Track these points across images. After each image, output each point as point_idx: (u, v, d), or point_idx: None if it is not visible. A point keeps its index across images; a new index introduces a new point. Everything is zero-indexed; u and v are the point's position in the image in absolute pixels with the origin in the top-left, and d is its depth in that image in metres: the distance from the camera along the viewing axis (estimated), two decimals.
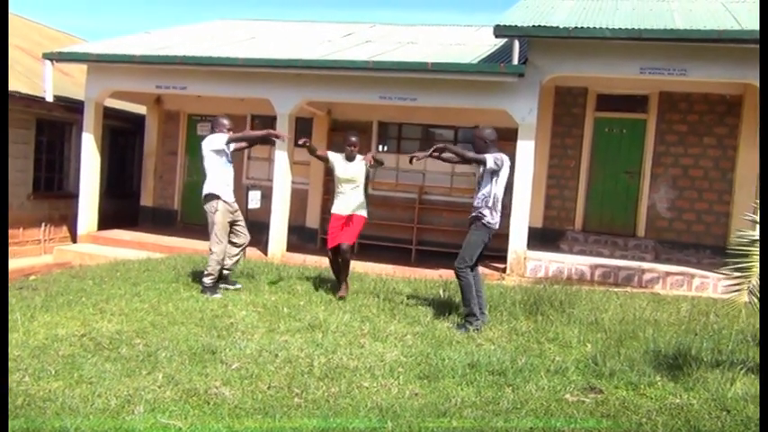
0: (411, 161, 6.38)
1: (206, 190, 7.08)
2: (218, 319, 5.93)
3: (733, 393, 4.29)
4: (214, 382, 4.29)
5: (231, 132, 7.23)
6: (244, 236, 7.30)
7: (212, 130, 7.30)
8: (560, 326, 6.09)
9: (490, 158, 6.00)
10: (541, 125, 10.33)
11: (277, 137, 7.45)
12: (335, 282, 7.33)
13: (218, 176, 7.06)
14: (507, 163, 6.13)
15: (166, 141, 13.62)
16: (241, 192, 7.65)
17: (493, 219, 6.07)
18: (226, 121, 7.29)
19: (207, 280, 6.96)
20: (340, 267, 7.10)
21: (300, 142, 6.68)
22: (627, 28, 8.83)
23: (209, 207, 7.05)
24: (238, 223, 7.25)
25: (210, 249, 7.03)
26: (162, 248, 10.80)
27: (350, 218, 6.99)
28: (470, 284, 6.06)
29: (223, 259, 7.08)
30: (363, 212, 7.07)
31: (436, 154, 6.40)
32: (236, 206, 7.26)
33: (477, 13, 55.02)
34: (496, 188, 6.08)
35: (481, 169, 6.15)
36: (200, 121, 13.41)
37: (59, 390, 4.07)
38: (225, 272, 7.20)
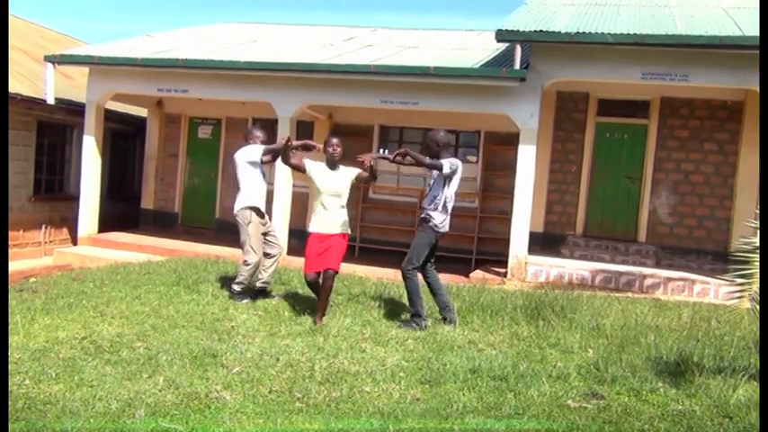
0: (364, 161, 6.02)
1: (240, 201, 6.95)
2: (219, 323, 5.92)
3: (735, 400, 4.28)
4: (215, 385, 4.28)
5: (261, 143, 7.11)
6: (276, 246, 7.17)
7: (246, 141, 7.17)
8: (562, 331, 6.07)
9: (446, 164, 6.08)
10: (543, 130, 10.33)
11: (312, 147, 6.90)
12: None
13: (253, 188, 6.94)
14: (460, 167, 6.24)
15: (167, 144, 13.63)
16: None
17: (440, 221, 6.16)
18: (260, 133, 7.19)
19: (237, 287, 6.84)
20: (319, 292, 6.18)
21: (281, 138, 6.09)
22: (628, 33, 8.84)
23: (242, 218, 6.91)
24: (270, 234, 7.13)
25: (245, 261, 6.89)
26: (163, 251, 10.79)
27: (332, 238, 6.06)
28: (417, 286, 6.20)
29: (257, 271, 6.93)
30: (346, 230, 6.18)
31: (399, 159, 6.40)
32: (267, 218, 7.18)
33: (479, 18, 55.17)
34: (448, 191, 6.17)
35: (434, 173, 6.25)
36: (202, 124, 13.43)
37: (60, 393, 4.06)
38: (262, 285, 7.02)
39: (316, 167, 6.10)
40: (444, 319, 6.28)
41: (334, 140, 6.12)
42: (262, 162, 7.05)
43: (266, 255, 7.07)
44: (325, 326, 5.89)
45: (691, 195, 10.87)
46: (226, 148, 12.90)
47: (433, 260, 6.41)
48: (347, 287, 7.67)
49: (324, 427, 3.71)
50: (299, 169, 6.17)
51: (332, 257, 6.03)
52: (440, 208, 6.13)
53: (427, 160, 6.19)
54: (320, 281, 6.09)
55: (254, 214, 6.91)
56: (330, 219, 6.07)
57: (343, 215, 6.15)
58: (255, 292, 6.95)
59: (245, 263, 6.90)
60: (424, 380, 4.63)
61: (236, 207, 6.97)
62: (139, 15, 53.16)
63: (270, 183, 7.55)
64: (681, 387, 4.55)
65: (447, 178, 6.11)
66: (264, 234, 7.06)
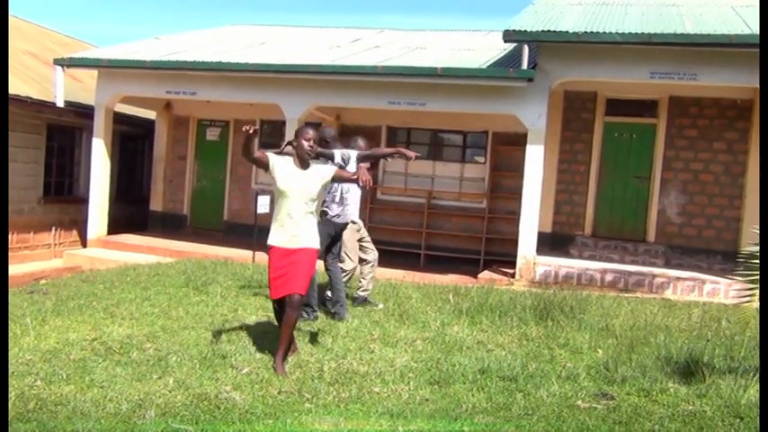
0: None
1: (333, 209, 6.76)
2: (229, 324, 5.93)
3: (746, 400, 4.25)
4: (224, 386, 4.28)
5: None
6: (372, 252, 7.08)
7: (348, 148, 6.95)
8: (571, 331, 6.05)
9: (338, 154, 6.26)
10: (551, 130, 10.32)
11: (407, 155, 6.47)
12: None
13: (349, 195, 6.66)
14: (353, 157, 6.40)
15: (176, 146, 13.68)
16: (250, 197, 7.61)
17: (337, 213, 6.38)
18: (362, 142, 6.93)
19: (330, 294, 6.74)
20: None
21: (245, 129, 4.55)
22: (637, 33, 8.81)
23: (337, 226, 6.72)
24: (365, 240, 7.04)
25: (342, 269, 6.74)
26: (172, 253, 10.83)
27: (298, 254, 4.78)
28: (337, 275, 6.41)
29: (351, 277, 6.87)
30: (315, 243, 4.89)
31: (286, 149, 6.37)
32: (361, 224, 7.03)
33: (486, 18, 55.09)
34: (344, 183, 6.30)
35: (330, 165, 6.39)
36: (210, 126, 13.48)
37: (71, 394, 4.08)
38: (362, 294, 6.97)
39: (281, 164, 4.80)
40: (335, 314, 6.35)
41: (311, 132, 4.88)
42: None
43: (362, 261, 7.00)
44: (333, 326, 5.89)
45: (700, 195, 10.82)
46: (234, 150, 12.96)
47: (335, 252, 6.55)
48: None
49: (333, 428, 3.71)
50: (260, 165, 4.86)
51: (297, 278, 4.73)
52: (336, 200, 6.38)
53: (326, 152, 6.35)
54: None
55: (349, 222, 6.71)
56: (296, 230, 4.76)
57: (313, 225, 4.88)
58: (357, 301, 6.87)
59: (342, 270, 6.74)
60: (433, 380, 4.62)
61: (330, 214, 6.70)
62: (148, 18, 53.41)
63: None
64: (691, 387, 4.52)
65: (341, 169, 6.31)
66: (359, 241, 6.96)
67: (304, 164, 4.83)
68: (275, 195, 4.85)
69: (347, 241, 6.80)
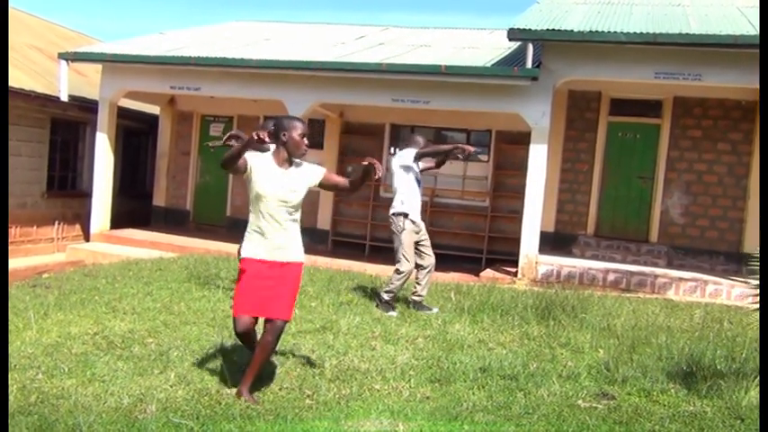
0: (213, 149, 5.99)
1: (393, 208, 6.70)
2: (230, 320, 5.93)
3: (747, 402, 4.25)
4: (225, 382, 4.29)
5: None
6: (429, 257, 6.80)
7: (406, 145, 6.94)
8: (572, 331, 6.06)
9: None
10: (554, 129, 10.30)
11: (465, 151, 6.58)
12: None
13: (406, 194, 6.65)
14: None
15: (179, 142, 13.69)
16: None
17: None
18: (421, 140, 6.89)
19: (386, 296, 6.66)
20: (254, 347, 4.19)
21: (255, 136, 3.75)
22: (641, 32, 8.79)
23: (395, 226, 6.66)
24: (422, 243, 6.76)
25: (397, 269, 6.63)
26: (174, 248, 10.84)
27: (285, 269, 4.09)
28: None
29: (407, 280, 6.69)
30: (302, 256, 4.21)
31: (230, 142, 6.31)
32: (421, 225, 6.79)
33: (491, 17, 55.01)
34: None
35: None
36: (213, 122, 13.48)
37: (72, 387, 4.09)
38: (416, 299, 6.78)
39: (260, 164, 4.03)
40: None
41: (303, 126, 4.11)
42: (423, 169, 6.89)
43: (418, 266, 6.78)
44: (335, 323, 5.89)
45: (703, 196, 10.79)
46: None
47: None
48: (357, 285, 7.68)
49: (333, 425, 3.72)
50: (237, 171, 4.02)
51: (282, 300, 4.05)
52: None
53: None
54: (257, 332, 4.19)
55: (407, 222, 6.61)
56: (281, 240, 4.06)
57: (299, 234, 4.20)
58: (411, 306, 6.76)
59: (397, 271, 6.64)
60: (434, 378, 4.63)
61: (390, 212, 6.74)
62: (152, 13, 53.43)
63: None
64: (692, 388, 4.52)
65: None
66: (416, 243, 6.73)
67: (287, 162, 4.07)
68: (252, 201, 4.06)
69: (405, 243, 6.62)
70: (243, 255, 4.14)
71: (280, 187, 4.02)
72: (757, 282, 4.49)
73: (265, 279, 4.02)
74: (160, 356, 4.76)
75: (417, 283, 6.81)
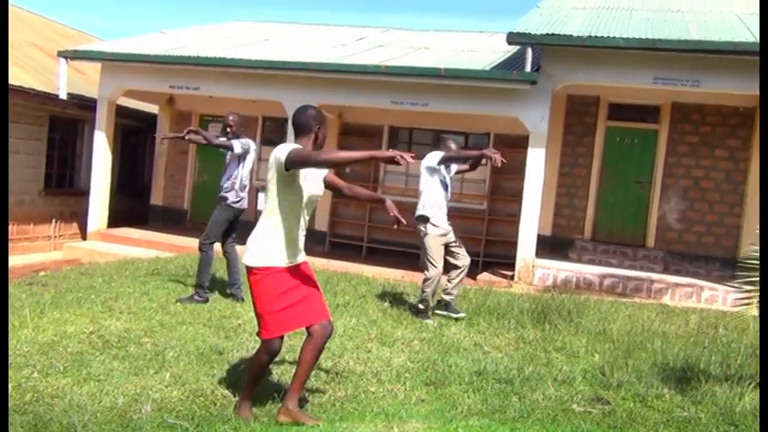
0: (162, 141, 6.48)
1: (417, 211, 6.62)
2: (226, 320, 5.95)
3: (741, 408, 4.26)
4: (221, 383, 4.29)
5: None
6: (463, 257, 6.69)
7: (437, 150, 6.82)
8: (568, 335, 6.07)
9: (237, 144, 6.65)
10: (553, 133, 10.32)
11: (491, 158, 6.29)
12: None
13: (430, 197, 6.58)
14: (253, 147, 6.88)
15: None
16: (250, 194, 7.59)
17: (236, 199, 6.80)
18: (452, 144, 6.81)
19: (420, 305, 6.57)
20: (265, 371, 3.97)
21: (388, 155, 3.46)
22: (641, 38, 8.81)
23: (418, 230, 6.61)
24: (453, 245, 6.66)
25: (425, 277, 6.55)
26: (171, 247, 10.83)
27: (303, 267, 3.82)
28: (209, 260, 6.76)
29: (437, 285, 6.59)
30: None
31: (188, 136, 6.90)
32: (448, 228, 6.66)
33: (491, 20, 55.08)
34: (242, 171, 6.81)
35: (228, 154, 6.81)
36: (212, 122, 13.46)
37: (67, 387, 4.09)
38: (446, 297, 6.68)
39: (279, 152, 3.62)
40: (232, 295, 6.84)
41: (312, 114, 3.81)
42: (456, 173, 6.91)
43: (453, 266, 6.70)
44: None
45: (700, 202, 10.82)
46: None
47: (234, 236, 6.88)
48: (354, 287, 7.69)
49: (328, 427, 3.71)
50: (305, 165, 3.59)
51: (321, 299, 3.79)
52: (236, 186, 6.78)
53: (218, 141, 6.84)
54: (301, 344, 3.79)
55: (429, 226, 6.52)
56: (302, 242, 3.82)
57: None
58: (440, 306, 6.70)
59: (425, 278, 6.55)
60: (430, 381, 4.63)
61: (414, 217, 6.60)
62: (152, 12, 53.41)
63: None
64: (686, 394, 4.53)
65: (240, 158, 6.76)
66: (447, 245, 6.63)
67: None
68: (290, 203, 3.65)
69: (431, 247, 6.51)
70: (269, 264, 3.63)
71: (317, 185, 3.80)
72: (752, 281, 4.51)
73: (295, 288, 3.66)
74: (156, 356, 4.76)
75: (449, 282, 6.68)
